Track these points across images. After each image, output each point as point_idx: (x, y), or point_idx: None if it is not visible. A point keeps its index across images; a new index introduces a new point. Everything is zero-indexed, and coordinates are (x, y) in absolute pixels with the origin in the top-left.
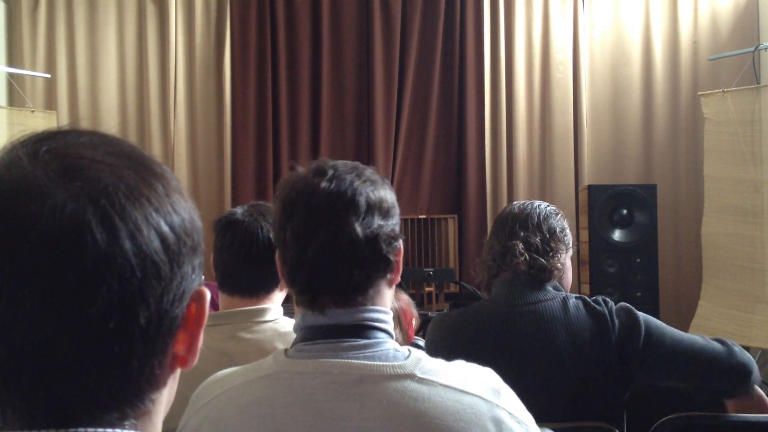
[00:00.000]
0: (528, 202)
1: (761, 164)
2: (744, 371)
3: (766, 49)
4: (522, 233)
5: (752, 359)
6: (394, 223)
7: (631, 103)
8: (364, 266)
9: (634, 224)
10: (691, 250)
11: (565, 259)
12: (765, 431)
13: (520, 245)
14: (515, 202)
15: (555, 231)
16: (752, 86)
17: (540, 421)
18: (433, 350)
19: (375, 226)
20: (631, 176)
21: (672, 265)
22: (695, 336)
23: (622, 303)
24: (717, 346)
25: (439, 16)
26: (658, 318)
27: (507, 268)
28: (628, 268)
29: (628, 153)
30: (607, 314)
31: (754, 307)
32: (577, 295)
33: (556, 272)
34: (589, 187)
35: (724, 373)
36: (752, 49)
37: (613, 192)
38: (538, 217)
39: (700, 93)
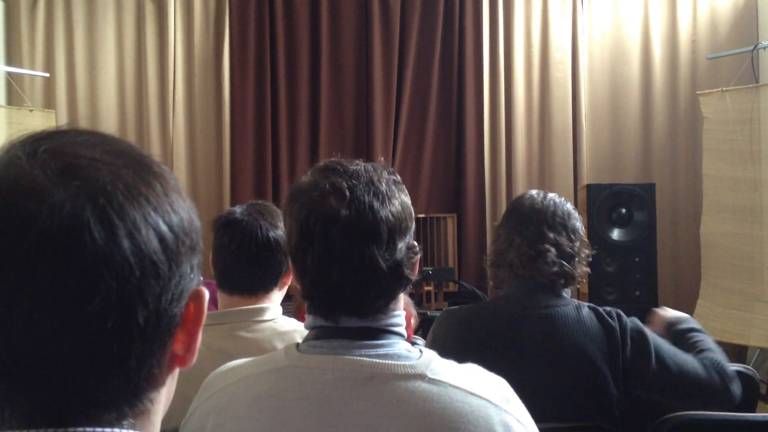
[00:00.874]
0: (548, 198)
1: (760, 163)
2: (734, 402)
3: (764, 48)
4: (551, 234)
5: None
6: (411, 233)
7: (630, 103)
8: (387, 294)
9: (633, 223)
10: (690, 249)
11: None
12: (765, 430)
13: (553, 251)
14: (533, 193)
15: (577, 231)
16: (751, 85)
17: (541, 421)
18: (440, 345)
19: (397, 252)
20: (630, 175)
21: (671, 264)
22: (697, 365)
23: (635, 323)
24: (716, 379)
25: (438, 15)
26: None
27: (532, 271)
28: (627, 267)
29: (626, 152)
30: (619, 332)
31: (753, 306)
32: (590, 304)
33: (579, 279)
34: (588, 186)
35: (716, 403)
36: (751, 48)
37: (611, 191)
38: (562, 216)
39: (698, 92)
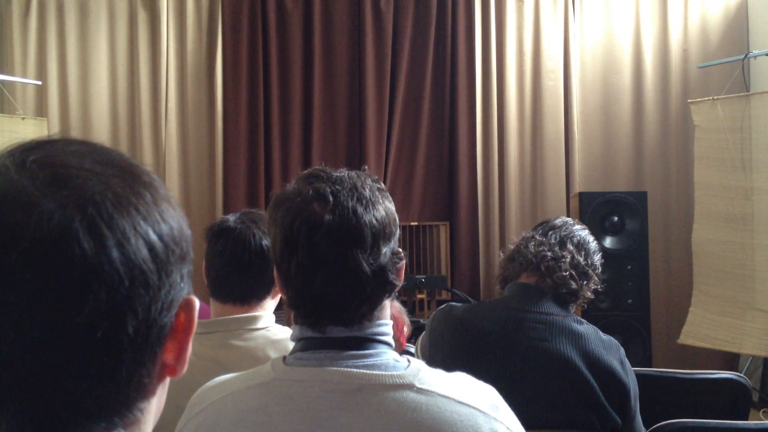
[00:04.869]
0: (583, 227)
1: (750, 171)
2: None
3: (755, 57)
4: (571, 248)
5: None
6: (395, 239)
7: (622, 111)
8: (372, 299)
9: (625, 231)
10: (682, 257)
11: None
12: None
13: (569, 259)
14: (570, 219)
15: (596, 264)
16: (742, 94)
17: (532, 428)
18: (435, 340)
19: (381, 257)
20: (622, 183)
21: (663, 272)
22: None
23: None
24: None
25: (430, 24)
26: (650, 329)
27: (543, 274)
28: (620, 275)
29: (618, 160)
30: (619, 363)
31: (744, 314)
32: (589, 323)
33: (580, 300)
34: (580, 194)
35: None
36: (742, 57)
37: (603, 199)
38: (588, 244)
39: (690, 100)
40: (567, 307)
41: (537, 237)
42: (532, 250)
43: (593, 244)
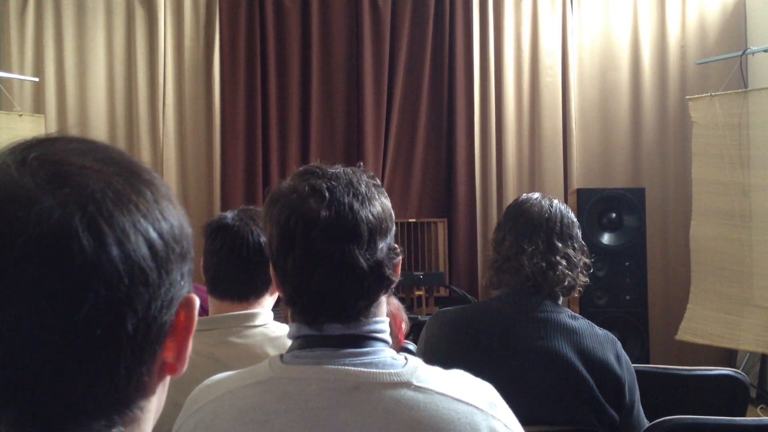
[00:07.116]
0: (555, 205)
1: (748, 168)
2: None
3: (753, 53)
4: (560, 245)
5: None
6: (392, 234)
7: (620, 107)
8: (369, 295)
9: (623, 228)
10: (680, 254)
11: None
12: None
13: (564, 263)
14: (538, 198)
15: (580, 240)
16: (740, 90)
17: (530, 424)
18: (432, 345)
19: (377, 252)
20: (620, 180)
21: (661, 269)
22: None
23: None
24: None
25: (428, 20)
26: (648, 326)
27: (541, 281)
28: (617, 272)
29: (616, 157)
30: (612, 347)
31: (742, 310)
32: (583, 318)
33: (577, 289)
34: (578, 190)
35: None
36: (740, 53)
37: (601, 196)
38: (569, 225)
39: (688, 97)
40: (559, 300)
41: (525, 245)
42: (527, 263)
43: (569, 218)
